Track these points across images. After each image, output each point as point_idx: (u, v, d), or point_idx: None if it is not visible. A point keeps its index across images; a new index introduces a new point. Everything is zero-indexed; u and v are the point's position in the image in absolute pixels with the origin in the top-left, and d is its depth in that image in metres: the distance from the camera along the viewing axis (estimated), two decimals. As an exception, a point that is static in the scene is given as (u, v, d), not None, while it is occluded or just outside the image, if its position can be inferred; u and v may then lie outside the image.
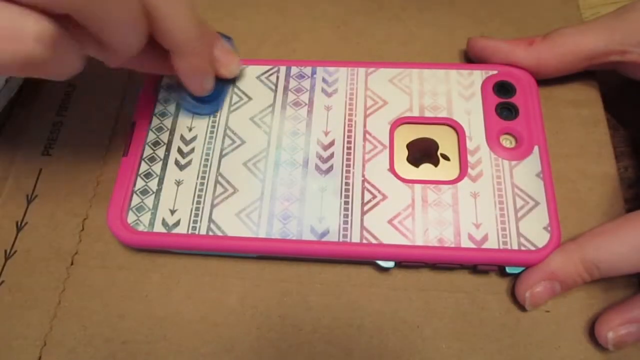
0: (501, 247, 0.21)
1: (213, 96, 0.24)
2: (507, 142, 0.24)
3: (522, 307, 0.21)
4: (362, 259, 0.22)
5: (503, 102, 0.24)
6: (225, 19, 0.29)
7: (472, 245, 0.21)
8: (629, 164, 0.26)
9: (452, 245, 0.21)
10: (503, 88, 0.25)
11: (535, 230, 0.21)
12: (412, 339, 0.21)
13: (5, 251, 0.24)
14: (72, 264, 0.23)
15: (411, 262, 0.22)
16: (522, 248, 0.21)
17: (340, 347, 0.21)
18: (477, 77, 0.25)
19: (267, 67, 0.26)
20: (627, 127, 0.27)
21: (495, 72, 0.25)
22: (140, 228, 0.22)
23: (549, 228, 0.21)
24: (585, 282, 0.21)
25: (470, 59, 0.27)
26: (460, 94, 0.25)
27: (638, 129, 0.26)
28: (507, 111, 0.24)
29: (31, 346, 0.22)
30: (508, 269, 0.21)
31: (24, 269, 0.23)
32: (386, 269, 0.22)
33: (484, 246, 0.21)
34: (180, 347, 0.22)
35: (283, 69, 0.26)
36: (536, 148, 0.23)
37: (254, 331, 0.22)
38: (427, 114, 0.24)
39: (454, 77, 0.25)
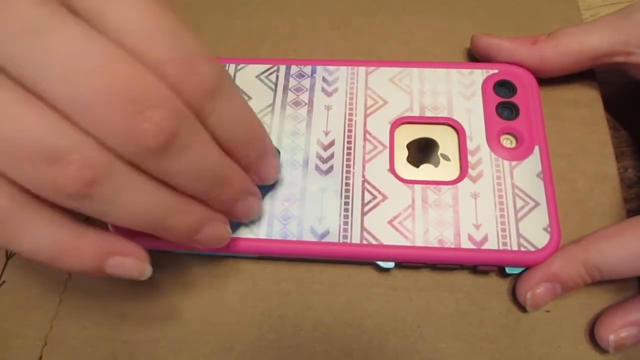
0: (501, 247, 0.21)
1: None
2: (507, 142, 0.24)
3: (522, 307, 0.21)
4: (362, 260, 0.22)
5: (504, 101, 0.24)
6: (224, 18, 0.29)
7: (472, 246, 0.21)
8: (629, 164, 0.26)
9: (452, 246, 0.21)
10: (504, 87, 0.25)
11: (535, 231, 0.21)
12: (412, 339, 0.21)
13: (7, 251, 0.24)
14: (72, 263, 0.23)
15: (411, 262, 0.22)
16: (522, 249, 0.21)
17: (340, 347, 0.21)
18: (477, 76, 0.25)
19: (266, 66, 0.26)
20: (627, 127, 0.27)
21: (495, 71, 0.25)
22: (141, 229, 0.22)
23: (549, 229, 0.21)
24: (586, 284, 0.21)
25: (473, 56, 0.27)
26: (460, 93, 0.25)
27: (638, 129, 0.26)
28: (507, 111, 0.24)
29: (32, 346, 0.22)
30: (508, 270, 0.21)
31: (25, 269, 0.23)
32: (386, 270, 0.22)
33: (483, 247, 0.21)
34: (180, 347, 0.22)
35: (283, 68, 0.26)
36: (537, 148, 0.23)
37: (254, 331, 0.22)
38: (428, 114, 0.24)
39: (455, 76, 0.25)
